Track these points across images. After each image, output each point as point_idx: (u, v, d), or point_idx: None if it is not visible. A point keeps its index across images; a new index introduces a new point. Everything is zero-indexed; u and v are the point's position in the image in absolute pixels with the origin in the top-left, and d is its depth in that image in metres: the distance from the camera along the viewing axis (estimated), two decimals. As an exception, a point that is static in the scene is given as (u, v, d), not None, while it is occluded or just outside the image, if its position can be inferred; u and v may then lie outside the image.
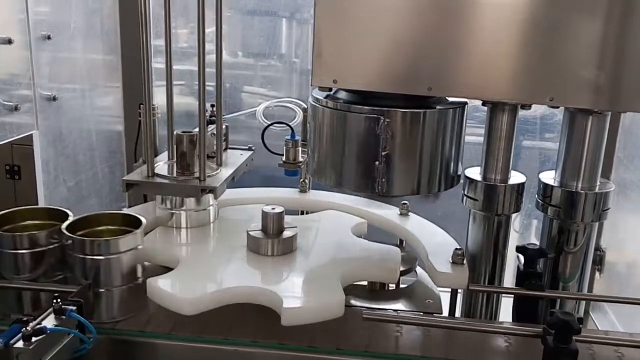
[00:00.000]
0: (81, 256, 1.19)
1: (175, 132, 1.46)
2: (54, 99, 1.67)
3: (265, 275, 1.28)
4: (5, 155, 2.11)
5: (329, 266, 1.30)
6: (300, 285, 1.22)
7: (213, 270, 1.28)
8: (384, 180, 1.27)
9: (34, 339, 0.98)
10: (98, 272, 1.19)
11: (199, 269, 1.28)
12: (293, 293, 1.18)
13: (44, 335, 0.99)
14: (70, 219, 1.27)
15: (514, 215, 1.42)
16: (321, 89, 1.30)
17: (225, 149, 1.68)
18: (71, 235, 1.20)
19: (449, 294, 1.36)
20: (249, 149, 1.70)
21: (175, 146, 1.46)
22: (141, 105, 1.51)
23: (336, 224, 1.56)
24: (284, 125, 1.69)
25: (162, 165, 1.50)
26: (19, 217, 1.30)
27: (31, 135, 1.61)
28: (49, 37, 1.62)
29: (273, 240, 1.33)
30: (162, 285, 1.18)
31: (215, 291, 1.18)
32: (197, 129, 1.43)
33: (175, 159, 1.47)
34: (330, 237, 1.47)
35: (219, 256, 1.36)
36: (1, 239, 1.21)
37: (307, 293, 1.19)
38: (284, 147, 1.65)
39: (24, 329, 0.98)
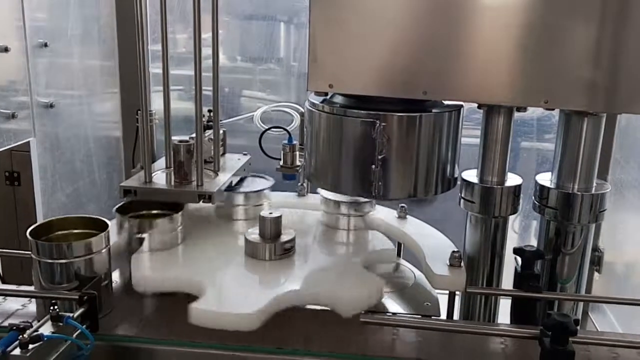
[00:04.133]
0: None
1: (172, 142, 1.46)
2: (51, 105, 1.68)
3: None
4: (4, 161, 2.12)
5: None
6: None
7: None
8: (380, 183, 1.27)
9: (31, 346, 0.98)
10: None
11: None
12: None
13: (41, 343, 0.99)
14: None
15: (513, 216, 1.43)
16: (317, 93, 1.31)
17: (223, 154, 1.68)
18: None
19: (447, 297, 1.36)
20: (244, 155, 1.70)
21: (172, 155, 1.46)
22: (138, 111, 1.51)
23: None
24: (282, 129, 1.70)
25: (160, 174, 1.50)
26: (56, 227, 1.29)
27: (29, 142, 1.62)
28: (46, 45, 1.63)
29: (270, 245, 1.33)
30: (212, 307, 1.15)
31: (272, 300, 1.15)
32: (194, 136, 1.44)
33: (172, 167, 1.47)
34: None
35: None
36: (38, 248, 1.19)
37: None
38: (282, 152, 1.65)
39: (21, 336, 0.98)
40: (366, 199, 1.56)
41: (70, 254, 1.19)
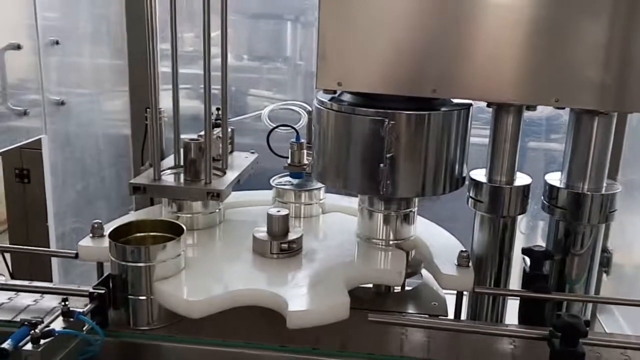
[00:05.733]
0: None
1: (183, 140, 1.47)
2: (62, 103, 1.70)
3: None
4: (15, 159, 2.14)
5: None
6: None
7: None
8: (388, 182, 1.27)
9: (42, 341, 0.99)
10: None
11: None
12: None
13: (53, 338, 1.00)
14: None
15: (519, 217, 1.42)
16: (326, 91, 1.31)
17: (231, 152, 1.69)
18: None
19: (454, 297, 1.36)
20: (252, 153, 1.71)
21: (183, 153, 1.47)
22: (148, 109, 1.52)
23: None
24: (289, 128, 1.70)
25: (168, 172, 1.51)
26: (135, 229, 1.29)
27: (40, 139, 1.64)
28: (57, 43, 1.64)
29: (278, 243, 1.33)
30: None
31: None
32: (202, 134, 1.45)
33: (182, 165, 1.48)
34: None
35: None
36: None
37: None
38: (289, 150, 1.65)
39: (32, 331, 0.99)
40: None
41: (147, 258, 1.17)
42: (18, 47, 1.49)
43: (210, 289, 1.20)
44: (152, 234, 1.29)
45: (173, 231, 1.27)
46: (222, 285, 1.23)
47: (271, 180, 1.66)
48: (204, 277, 1.26)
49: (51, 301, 1.26)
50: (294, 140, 1.65)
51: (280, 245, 1.33)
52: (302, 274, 1.28)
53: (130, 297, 1.20)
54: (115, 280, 1.21)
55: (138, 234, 1.29)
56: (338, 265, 1.33)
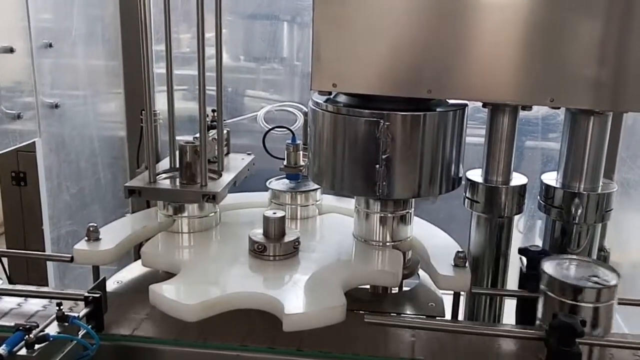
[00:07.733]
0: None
1: (178, 143, 1.46)
2: (57, 106, 1.69)
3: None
4: (11, 162, 2.13)
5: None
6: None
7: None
8: (384, 183, 1.27)
9: (37, 346, 0.98)
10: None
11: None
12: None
13: (47, 343, 1.00)
14: None
15: (517, 216, 1.42)
16: (321, 92, 1.30)
17: (227, 153, 1.68)
18: None
19: (451, 297, 1.36)
20: (248, 155, 1.70)
21: (178, 156, 1.46)
22: (143, 112, 1.51)
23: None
24: (285, 129, 1.70)
25: (164, 174, 1.50)
26: None
27: (34, 142, 1.63)
28: (50, 45, 1.63)
29: (275, 245, 1.33)
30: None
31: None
32: (198, 136, 1.44)
33: (177, 168, 1.48)
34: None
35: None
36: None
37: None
38: (285, 151, 1.65)
39: (27, 336, 0.98)
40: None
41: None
42: (11, 50, 1.48)
43: (207, 293, 1.20)
44: None
45: None
46: (218, 289, 1.22)
47: (267, 182, 1.65)
48: (200, 280, 1.25)
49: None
50: (290, 141, 1.65)
51: (277, 247, 1.32)
52: (299, 275, 1.28)
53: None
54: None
55: None
56: (335, 267, 1.32)
